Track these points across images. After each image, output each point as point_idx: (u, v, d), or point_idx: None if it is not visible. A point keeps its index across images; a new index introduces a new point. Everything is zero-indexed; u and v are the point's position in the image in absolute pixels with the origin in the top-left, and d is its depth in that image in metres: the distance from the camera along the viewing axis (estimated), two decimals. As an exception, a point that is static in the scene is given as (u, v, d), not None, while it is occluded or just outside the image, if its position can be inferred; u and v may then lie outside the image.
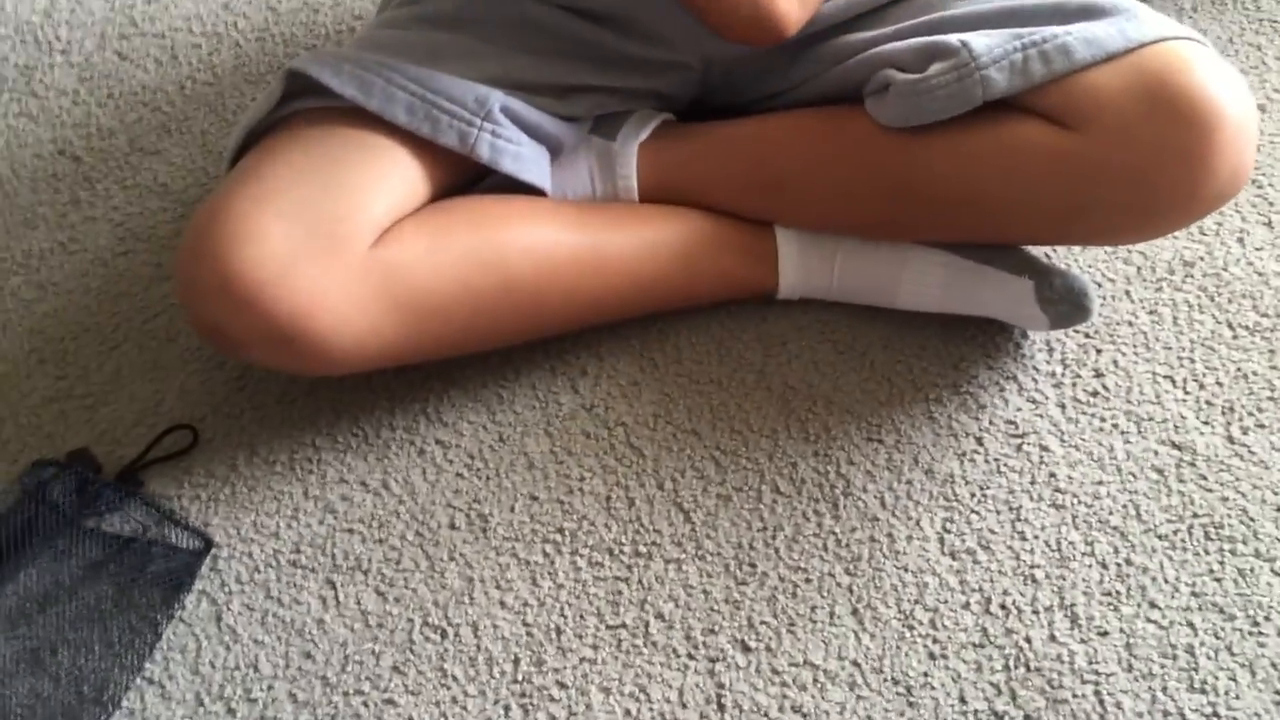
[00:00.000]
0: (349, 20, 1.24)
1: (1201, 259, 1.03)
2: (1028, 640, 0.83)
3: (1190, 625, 0.83)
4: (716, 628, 0.84)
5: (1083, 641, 0.83)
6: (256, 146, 0.86)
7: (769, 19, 0.86)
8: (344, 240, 0.82)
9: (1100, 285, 1.02)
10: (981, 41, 0.86)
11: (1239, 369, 0.97)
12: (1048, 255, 1.01)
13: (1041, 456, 0.92)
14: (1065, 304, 0.92)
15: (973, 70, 0.85)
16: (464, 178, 0.93)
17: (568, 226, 0.92)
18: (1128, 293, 1.01)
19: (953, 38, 0.87)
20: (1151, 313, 1.00)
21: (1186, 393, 0.96)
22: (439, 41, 0.92)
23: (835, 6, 0.96)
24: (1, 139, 1.14)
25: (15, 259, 1.05)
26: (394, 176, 0.86)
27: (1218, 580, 0.85)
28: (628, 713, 0.80)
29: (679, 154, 0.98)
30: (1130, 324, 1.00)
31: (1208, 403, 0.95)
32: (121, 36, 1.23)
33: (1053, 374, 0.97)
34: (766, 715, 0.80)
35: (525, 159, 0.91)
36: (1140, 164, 0.82)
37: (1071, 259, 1.03)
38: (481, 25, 0.94)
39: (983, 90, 0.85)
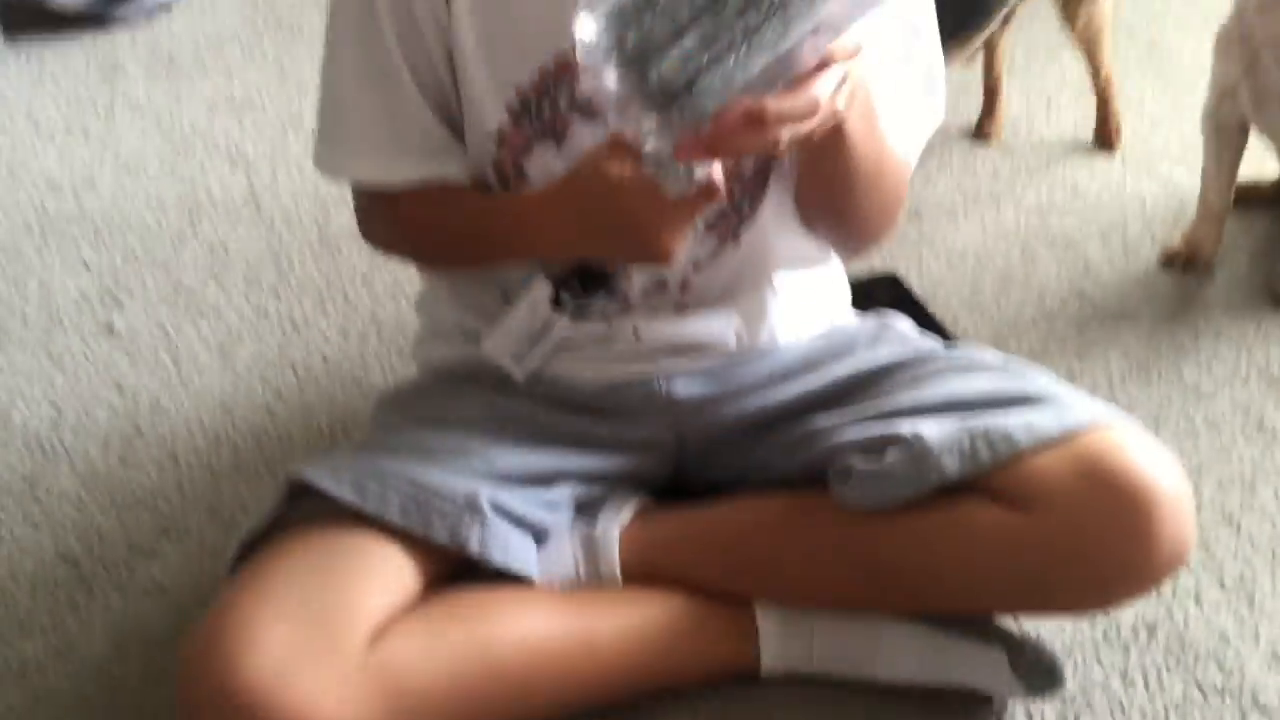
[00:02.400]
0: (342, 419, 1.33)
1: (1162, 621, 1.08)
2: None
3: None
4: None
5: None
6: (257, 553, 0.91)
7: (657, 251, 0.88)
8: (341, 641, 0.85)
9: (1070, 651, 1.05)
10: (932, 430, 0.94)
11: (1214, 731, 0.99)
12: (1018, 621, 1.05)
13: (1034, 832, 0.92)
14: (1036, 674, 0.95)
15: (925, 457, 0.93)
16: (457, 567, 0.97)
17: (555, 616, 0.96)
18: (1098, 659, 1.05)
19: (905, 428, 0.95)
20: (1123, 676, 1.03)
21: (1167, 757, 0.97)
22: (428, 441, 0.99)
23: (793, 394, 1.05)
24: (4, 547, 1.18)
25: (12, 669, 1.06)
26: (389, 573, 0.91)
27: None
28: None
29: (658, 537, 1.03)
30: (1104, 689, 1.02)
31: (1189, 767, 0.96)
32: (125, 442, 1.30)
33: (1035, 743, 0.99)
34: None
35: (513, 550, 0.96)
36: (1085, 543, 0.89)
37: (1040, 624, 1.06)
38: (466, 423, 1.02)
39: (936, 475, 0.92)
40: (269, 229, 1.60)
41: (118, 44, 2.04)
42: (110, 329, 1.45)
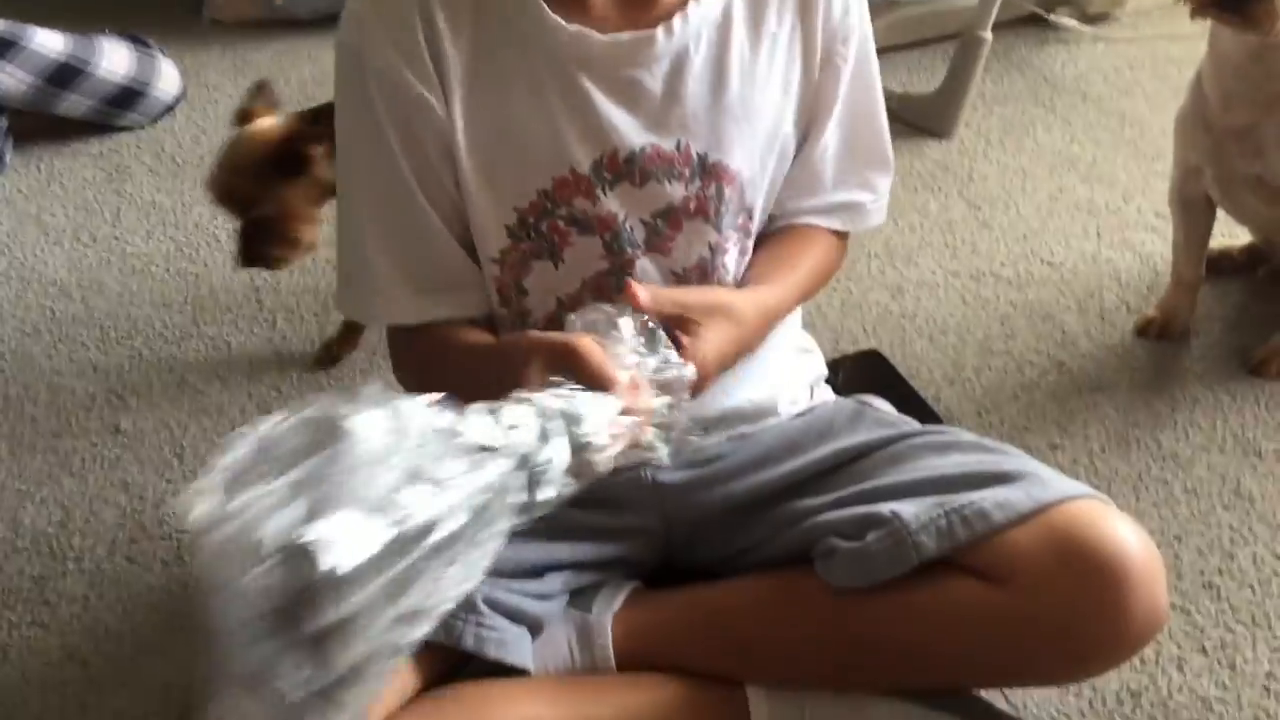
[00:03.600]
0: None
1: (1146, 688, 1.10)
2: None
3: None
4: None
5: None
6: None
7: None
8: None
9: (1056, 720, 1.08)
10: (910, 510, 0.97)
11: (1200, 800, 1.01)
12: (1007, 697, 1.08)
13: None
14: None
15: (905, 537, 0.96)
16: (452, 662, 1.00)
17: (551, 705, 0.98)
18: (1083, 727, 1.07)
19: (884, 508, 0.99)
20: (1109, 745, 1.06)
21: (1155, 824, 0.99)
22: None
23: (776, 476, 1.08)
24: (14, 649, 1.21)
25: (21, 770, 1.09)
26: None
27: None
28: None
29: (650, 622, 1.06)
30: (1091, 758, 1.05)
31: (1176, 833, 0.98)
32: (131, 541, 1.33)
33: (1025, 815, 1.01)
34: None
35: (508, 644, 0.99)
36: (1059, 614, 0.91)
37: (1026, 694, 1.09)
38: None
39: (916, 554, 0.96)
40: (271, 326, 1.65)
41: (124, 147, 2.10)
42: (117, 429, 1.49)
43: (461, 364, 1.01)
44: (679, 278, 1.02)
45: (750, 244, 1.07)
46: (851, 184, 1.09)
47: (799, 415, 1.12)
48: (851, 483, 1.05)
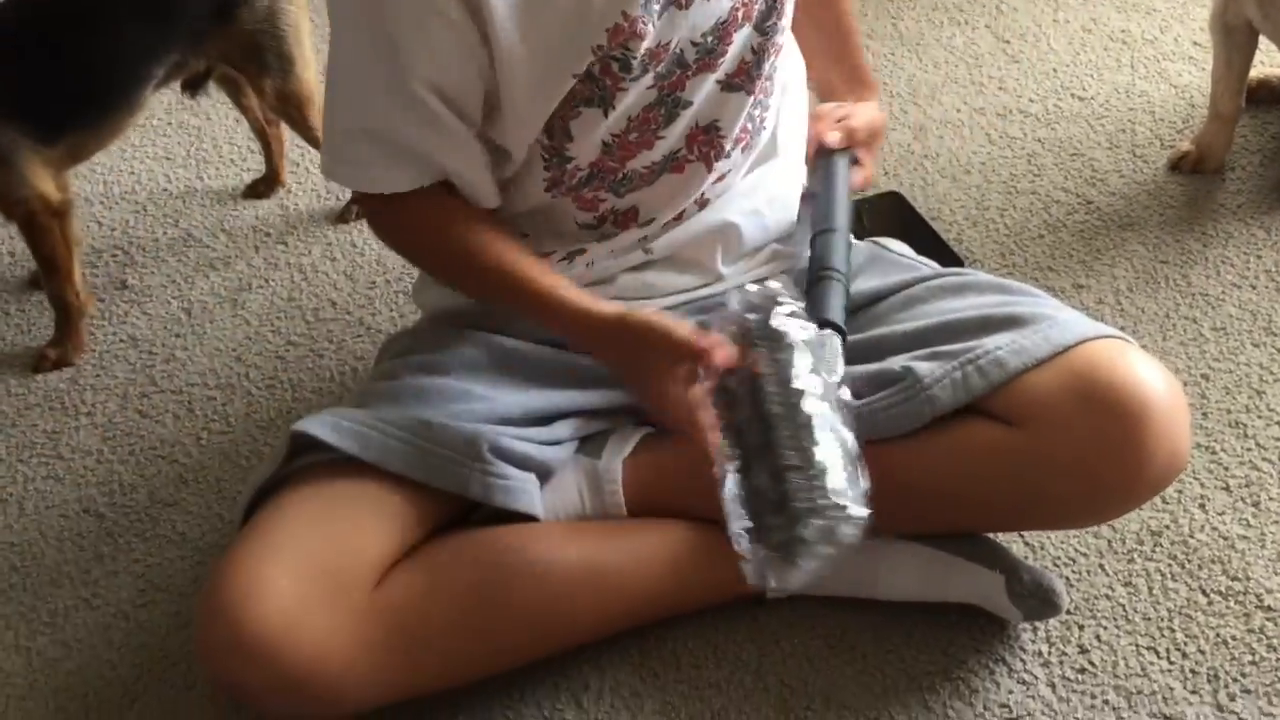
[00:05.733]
0: (351, 362, 1.34)
1: (1167, 528, 1.08)
2: None
3: None
4: None
5: None
6: (265, 504, 0.93)
7: None
8: (347, 588, 0.87)
9: (1074, 560, 1.06)
10: (924, 365, 0.94)
11: (1218, 635, 1.00)
12: (1025, 540, 1.06)
13: (1036, 739, 0.94)
14: (1034, 599, 0.96)
15: (918, 392, 0.94)
16: (460, 510, 0.99)
17: (560, 549, 0.98)
18: (1101, 566, 1.06)
19: (896, 364, 0.96)
20: (1127, 584, 1.04)
21: (1171, 663, 0.98)
22: (428, 388, 1.00)
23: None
24: (30, 502, 1.22)
25: (41, 619, 1.10)
26: (392, 520, 0.93)
27: None
28: None
29: (661, 467, 1.05)
30: (1108, 597, 1.03)
31: (1192, 671, 0.98)
32: (142, 395, 1.32)
33: (1039, 653, 1.00)
34: None
35: (516, 491, 0.98)
36: (1080, 456, 0.89)
37: (1044, 535, 1.07)
38: (467, 366, 1.03)
39: (930, 408, 0.93)
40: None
41: None
42: (124, 285, 1.47)
43: (503, 289, 0.98)
44: (723, 84, 0.99)
45: (783, 37, 1.03)
46: None
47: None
48: (866, 328, 1.03)
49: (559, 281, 0.97)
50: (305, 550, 0.88)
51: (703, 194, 1.04)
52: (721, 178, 1.04)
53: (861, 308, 1.04)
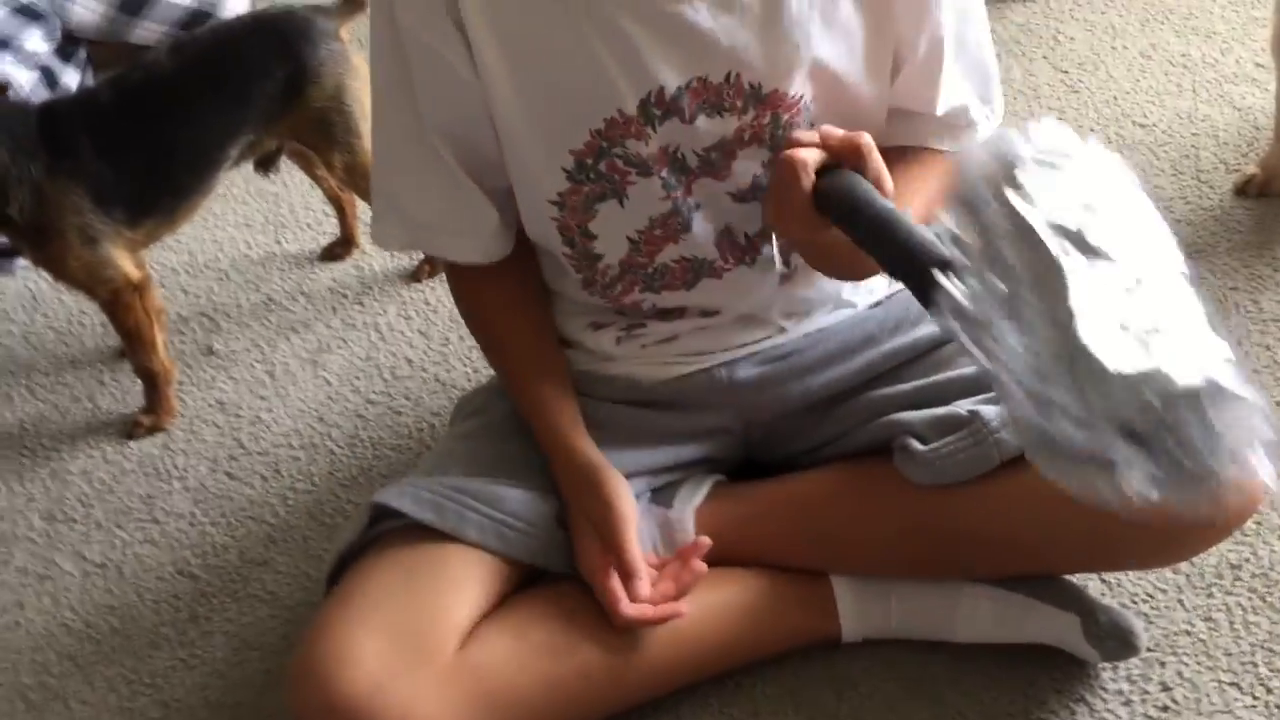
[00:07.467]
0: (428, 419, 1.38)
1: (1247, 560, 1.07)
2: None
3: None
4: None
5: None
6: (349, 569, 0.97)
7: None
8: (431, 651, 0.91)
9: (1152, 596, 1.06)
10: (990, 409, 0.95)
11: (1302, 669, 0.99)
12: (1101, 578, 1.06)
13: (1120, 781, 0.94)
14: (1112, 640, 0.96)
15: (985, 436, 0.94)
16: (536, 572, 1.02)
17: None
18: (1180, 601, 1.05)
19: (963, 408, 0.97)
20: (1207, 620, 1.03)
21: (1255, 698, 0.98)
22: (504, 453, 1.04)
23: (853, 370, 1.07)
24: (128, 567, 1.27)
25: (142, 680, 1.15)
26: (474, 582, 0.96)
27: None
28: None
29: (733, 515, 1.06)
30: (1188, 633, 1.03)
31: (1277, 706, 0.96)
32: (230, 458, 1.37)
33: (1120, 692, 1.00)
34: None
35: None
36: (1153, 496, 0.88)
37: (1121, 573, 1.07)
38: None
39: (998, 452, 0.94)
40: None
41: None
42: (210, 350, 1.53)
43: (521, 395, 1.05)
44: (735, 197, 0.99)
45: None
46: (957, 96, 1.00)
47: (874, 305, 1.09)
48: (929, 373, 1.04)
49: (564, 407, 1.03)
50: (390, 615, 0.91)
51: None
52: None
53: (926, 352, 1.05)
